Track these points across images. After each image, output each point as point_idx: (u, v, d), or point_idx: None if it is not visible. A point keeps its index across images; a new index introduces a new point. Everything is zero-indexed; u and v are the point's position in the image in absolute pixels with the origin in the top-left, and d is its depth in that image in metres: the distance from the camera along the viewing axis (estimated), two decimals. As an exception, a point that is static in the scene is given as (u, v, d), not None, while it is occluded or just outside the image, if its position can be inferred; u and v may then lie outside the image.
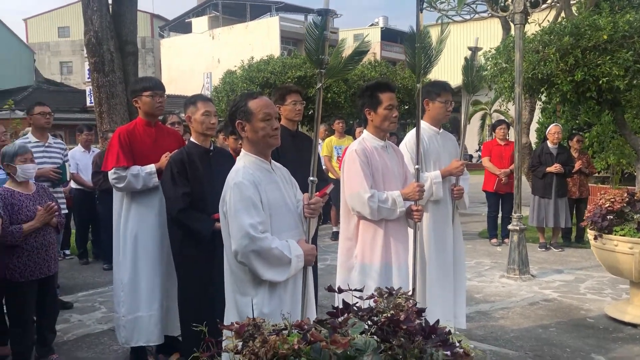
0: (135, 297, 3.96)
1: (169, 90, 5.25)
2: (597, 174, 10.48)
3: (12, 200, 3.86)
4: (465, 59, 4.12)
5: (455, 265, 4.08)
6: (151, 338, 3.99)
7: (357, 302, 1.80)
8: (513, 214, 6.61)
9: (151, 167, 3.93)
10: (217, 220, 2.98)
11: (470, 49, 4.17)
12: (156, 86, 4.05)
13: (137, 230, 3.98)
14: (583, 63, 7.41)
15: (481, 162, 9.12)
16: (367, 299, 1.83)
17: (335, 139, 8.86)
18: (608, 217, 4.82)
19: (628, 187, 5.34)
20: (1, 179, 4.30)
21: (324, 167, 8.30)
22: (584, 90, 7.77)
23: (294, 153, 3.84)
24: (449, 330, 1.64)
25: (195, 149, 3.74)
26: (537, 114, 12.17)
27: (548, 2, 8.82)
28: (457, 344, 1.60)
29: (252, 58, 16.17)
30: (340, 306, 1.73)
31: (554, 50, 7.49)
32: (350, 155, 3.43)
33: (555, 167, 7.75)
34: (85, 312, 5.43)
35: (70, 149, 7.09)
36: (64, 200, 5.84)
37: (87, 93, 24.03)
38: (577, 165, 7.99)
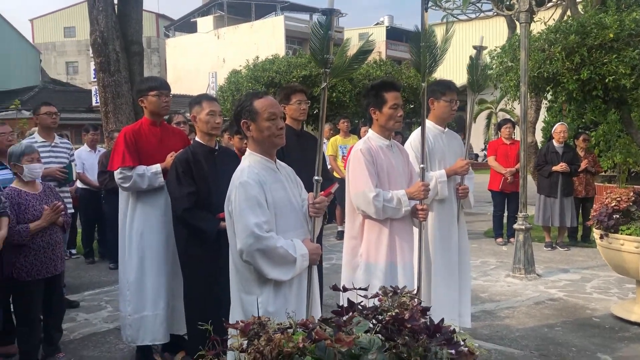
0: (141, 297, 3.98)
1: (174, 90, 5.27)
2: (603, 173, 10.43)
3: (19, 200, 3.89)
4: (471, 57, 4.11)
5: (460, 265, 4.07)
6: (157, 337, 4.00)
7: (361, 301, 1.80)
8: (519, 213, 6.59)
9: (157, 167, 3.95)
10: (222, 219, 2.99)
11: (475, 47, 4.17)
12: (162, 86, 4.07)
13: (142, 230, 3.99)
14: (589, 62, 7.39)
15: (487, 161, 9.11)
16: (371, 297, 1.83)
17: (340, 138, 8.87)
18: (614, 216, 4.80)
19: (634, 186, 5.31)
20: (8, 179, 4.32)
21: (329, 166, 8.30)
22: (590, 88, 7.74)
23: (299, 152, 3.85)
24: (454, 329, 1.63)
25: (201, 148, 3.75)
26: (543, 113, 12.14)
27: (553, 0, 8.79)
28: (462, 343, 1.60)
29: (257, 57, 16.20)
30: (345, 305, 1.73)
31: (559, 49, 7.46)
32: (355, 155, 3.43)
33: (561, 166, 7.72)
34: (92, 311, 5.46)
35: (76, 148, 7.12)
36: (70, 200, 5.87)
37: (93, 93, 24.09)
38: (583, 164, 7.95)
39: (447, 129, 4.18)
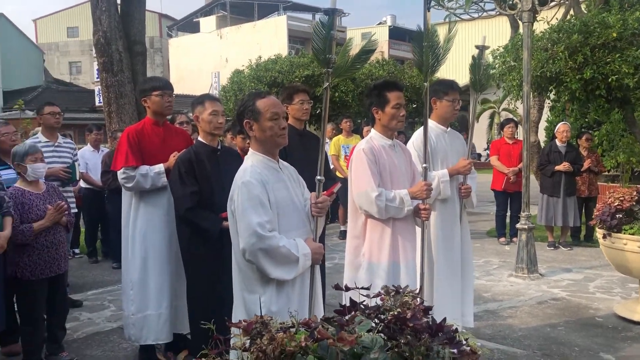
0: (144, 296, 3.99)
1: (177, 90, 5.27)
2: (606, 173, 10.41)
3: (22, 200, 3.90)
4: (473, 57, 4.11)
5: (463, 264, 4.07)
6: (160, 336, 4.02)
7: (364, 300, 1.81)
8: (521, 212, 6.58)
9: (160, 167, 3.96)
10: (225, 219, 2.99)
11: (478, 47, 4.16)
12: (165, 86, 4.08)
13: (145, 229, 4.00)
14: (592, 61, 7.37)
15: (489, 160, 9.09)
16: (374, 297, 1.84)
17: (342, 138, 8.87)
18: (617, 215, 4.79)
19: (638, 185, 5.30)
20: (12, 179, 4.33)
21: (331, 166, 8.31)
22: (593, 88, 7.73)
23: (302, 152, 3.85)
24: (456, 329, 1.64)
25: (203, 148, 3.76)
26: (546, 112, 12.12)
27: (556, -1, 8.79)
28: (464, 342, 1.60)
29: (260, 57, 16.22)
30: (348, 304, 1.73)
31: (562, 48, 7.45)
32: (357, 154, 3.43)
33: (564, 166, 7.71)
34: (95, 311, 5.47)
35: (79, 148, 7.14)
36: (74, 200, 5.88)
37: (96, 93, 24.17)
38: (586, 163, 7.94)
39: (449, 128, 4.18)
